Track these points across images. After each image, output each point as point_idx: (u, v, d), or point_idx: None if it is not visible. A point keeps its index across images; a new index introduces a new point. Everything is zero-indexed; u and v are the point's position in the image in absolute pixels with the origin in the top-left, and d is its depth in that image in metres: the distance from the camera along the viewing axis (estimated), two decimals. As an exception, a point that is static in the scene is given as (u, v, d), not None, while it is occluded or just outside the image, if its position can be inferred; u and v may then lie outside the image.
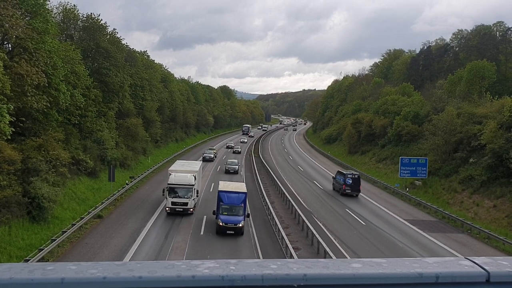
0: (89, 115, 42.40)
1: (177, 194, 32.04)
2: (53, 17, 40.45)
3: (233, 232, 27.61)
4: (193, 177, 33.51)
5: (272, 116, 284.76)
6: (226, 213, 28.18)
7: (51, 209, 28.45)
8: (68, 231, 25.84)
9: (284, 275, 1.43)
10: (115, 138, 48.75)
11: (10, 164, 26.44)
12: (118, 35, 52.57)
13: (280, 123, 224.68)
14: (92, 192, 37.47)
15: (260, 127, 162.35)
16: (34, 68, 29.74)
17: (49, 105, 32.02)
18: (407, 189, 46.86)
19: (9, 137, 26.47)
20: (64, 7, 48.17)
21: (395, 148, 61.87)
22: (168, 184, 32.56)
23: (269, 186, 47.41)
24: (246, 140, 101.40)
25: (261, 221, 32.43)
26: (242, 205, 28.82)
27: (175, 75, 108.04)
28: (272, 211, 33.43)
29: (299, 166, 67.20)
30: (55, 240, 24.00)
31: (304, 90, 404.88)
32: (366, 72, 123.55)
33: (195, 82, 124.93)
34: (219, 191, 29.63)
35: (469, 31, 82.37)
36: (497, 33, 75.65)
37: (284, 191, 41.72)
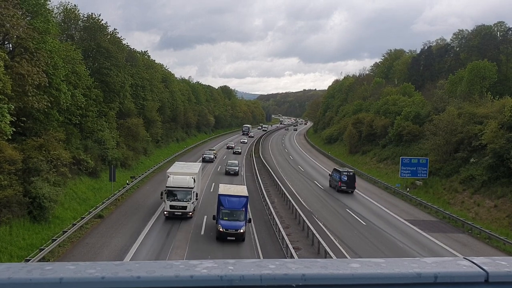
0: (90, 115, 42.43)
1: (175, 198, 30.71)
2: (54, 17, 40.51)
3: (234, 239, 26.59)
4: (192, 180, 31.97)
5: (272, 116, 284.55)
6: (226, 218, 26.93)
7: (52, 209, 28.46)
8: (69, 231, 25.87)
9: (283, 275, 1.43)
10: (116, 138, 48.76)
11: (11, 164, 26.45)
12: (118, 35, 52.60)
13: (281, 123, 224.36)
14: (93, 192, 37.49)
15: (260, 127, 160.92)
16: (35, 68, 29.75)
17: (50, 105, 32.04)
18: (408, 189, 46.84)
19: (10, 137, 26.52)
20: (65, 7, 48.26)
21: (396, 148, 61.83)
22: (166, 187, 31.19)
23: (270, 186, 47.41)
24: (246, 141, 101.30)
25: (261, 221, 32.41)
26: (243, 209, 27.52)
27: (176, 75, 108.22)
28: (272, 211, 33.41)
29: (299, 166, 67.18)
30: (56, 240, 24.03)
31: (304, 90, 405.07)
32: (367, 72, 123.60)
33: (195, 82, 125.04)
34: (219, 195, 28.41)
35: (470, 31, 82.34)
36: (498, 33, 75.54)
37: (285, 191, 41.72)
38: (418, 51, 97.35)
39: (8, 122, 25.30)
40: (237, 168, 54.46)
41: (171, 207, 30.54)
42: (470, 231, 33.02)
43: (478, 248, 29.57)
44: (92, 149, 41.58)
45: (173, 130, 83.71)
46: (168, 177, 32.27)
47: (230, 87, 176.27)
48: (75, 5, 48.91)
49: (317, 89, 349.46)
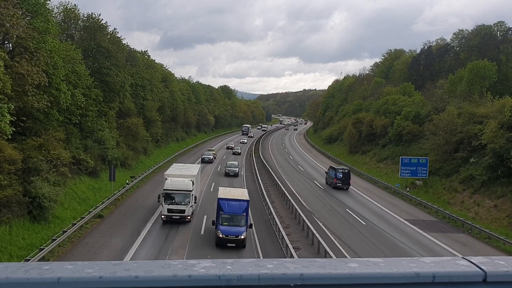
0: (90, 115, 42.42)
1: (173, 201, 29.41)
2: (53, 16, 40.53)
3: (234, 245, 25.21)
4: (191, 182, 30.65)
5: (272, 116, 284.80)
6: (226, 223, 25.63)
7: (52, 208, 28.46)
8: (69, 230, 25.86)
9: (281, 275, 1.43)
10: (116, 137, 48.75)
11: (11, 163, 26.46)
12: (118, 35, 52.61)
13: (280, 123, 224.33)
14: (93, 191, 37.49)
15: (259, 127, 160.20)
16: (35, 67, 29.75)
17: (49, 104, 32.03)
18: (408, 189, 46.85)
19: (10, 137, 26.52)
20: (65, 7, 48.26)
21: (395, 148, 61.84)
22: (164, 189, 29.78)
23: (270, 186, 47.40)
24: (245, 141, 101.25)
25: (261, 221, 32.41)
26: (244, 214, 26.20)
27: (176, 75, 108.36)
28: (272, 210, 33.41)
29: (299, 166, 67.20)
30: (56, 239, 24.03)
31: (304, 90, 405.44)
32: (367, 72, 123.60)
33: (195, 82, 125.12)
34: (219, 199, 27.00)
35: (470, 31, 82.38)
36: (498, 33, 75.57)
37: (285, 191, 41.72)
38: (418, 51, 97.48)
39: (8, 122, 25.30)
40: (237, 169, 53.40)
41: (169, 210, 29.28)
42: (470, 231, 33.02)
43: (478, 248, 29.57)
44: (92, 148, 41.58)
45: (173, 130, 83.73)
46: (166, 179, 31.03)
47: (230, 87, 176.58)
48: (75, 5, 49.02)
49: (317, 89, 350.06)
